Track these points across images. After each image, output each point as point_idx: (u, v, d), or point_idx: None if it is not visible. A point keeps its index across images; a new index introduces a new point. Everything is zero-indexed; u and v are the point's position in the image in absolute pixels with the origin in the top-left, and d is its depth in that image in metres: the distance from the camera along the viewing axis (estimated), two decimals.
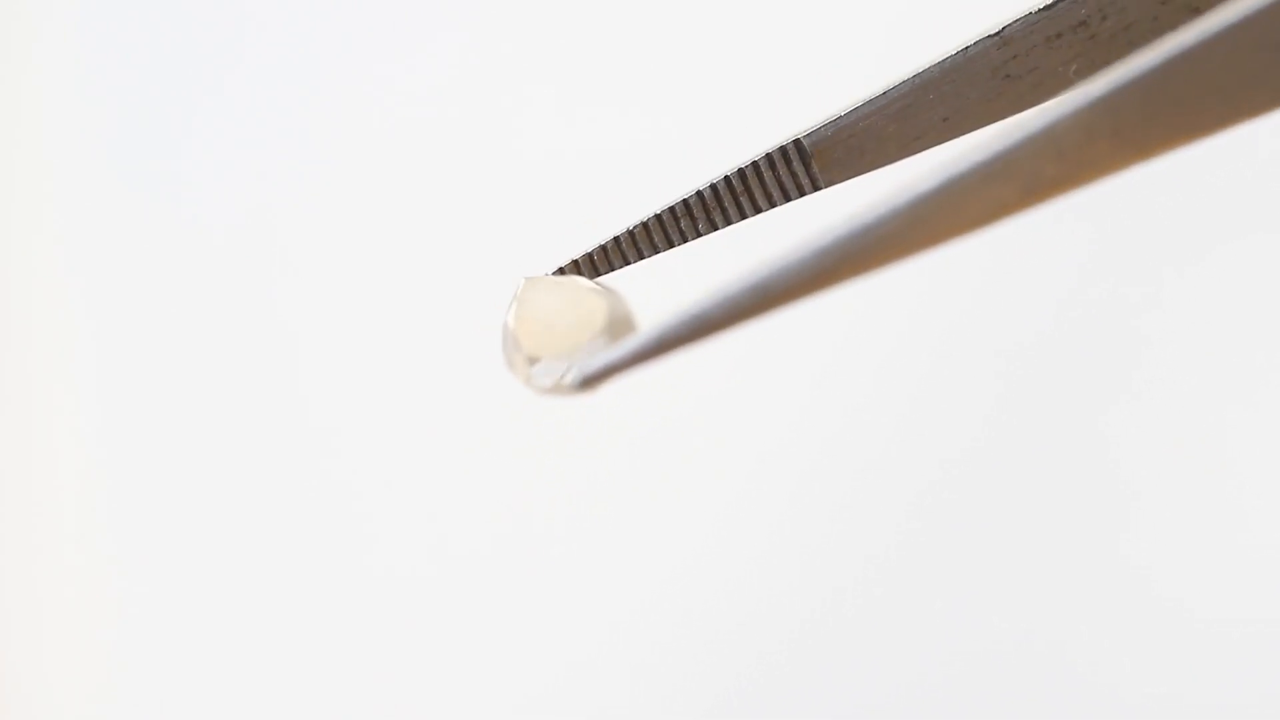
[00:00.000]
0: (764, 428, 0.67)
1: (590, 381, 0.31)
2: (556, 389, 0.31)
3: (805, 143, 0.31)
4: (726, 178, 0.31)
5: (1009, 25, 0.31)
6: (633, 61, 0.68)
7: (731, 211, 0.31)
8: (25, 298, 0.71)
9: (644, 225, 0.32)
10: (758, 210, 0.31)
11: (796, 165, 0.31)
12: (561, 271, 0.32)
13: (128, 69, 0.71)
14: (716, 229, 0.31)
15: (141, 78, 0.71)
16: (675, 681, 0.68)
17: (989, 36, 0.31)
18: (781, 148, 0.31)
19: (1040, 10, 0.30)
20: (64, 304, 0.71)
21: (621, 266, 0.32)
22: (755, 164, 0.31)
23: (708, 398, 0.67)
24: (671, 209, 0.31)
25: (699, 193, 0.31)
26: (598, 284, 0.32)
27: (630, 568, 0.68)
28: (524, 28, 0.69)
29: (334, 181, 0.70)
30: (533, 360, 0.31)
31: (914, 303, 0.66)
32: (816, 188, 0.31)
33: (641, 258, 0.32)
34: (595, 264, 0.32)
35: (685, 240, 0.31)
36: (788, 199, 0.31)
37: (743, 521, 0.68)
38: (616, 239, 0.32)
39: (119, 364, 0.71)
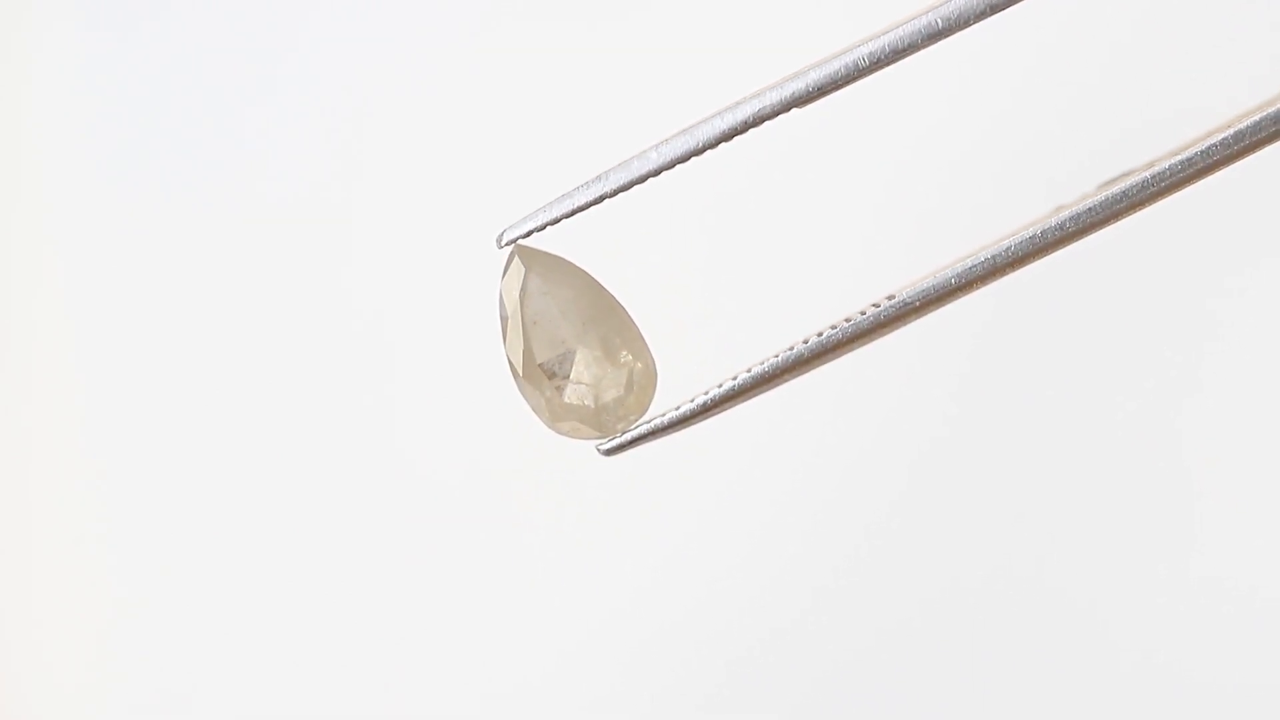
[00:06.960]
0: (755, 424, 0.67)
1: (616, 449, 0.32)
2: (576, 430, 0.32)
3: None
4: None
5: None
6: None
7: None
8: (26, 299, 0.71)
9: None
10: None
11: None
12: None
13: (128, 68, 0.70)
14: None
15: (141, 78, 0.70)
16: (661, 679, 0.68)
17: None
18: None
19: None
20: (59, 302, 0.71)
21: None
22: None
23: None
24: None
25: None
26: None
27: (619, 566, 0.69)
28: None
29: (341, 182, 0.69)
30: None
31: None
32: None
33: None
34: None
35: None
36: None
37: (728, 519, 0.68)
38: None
39: (117, 362, 0.71)
